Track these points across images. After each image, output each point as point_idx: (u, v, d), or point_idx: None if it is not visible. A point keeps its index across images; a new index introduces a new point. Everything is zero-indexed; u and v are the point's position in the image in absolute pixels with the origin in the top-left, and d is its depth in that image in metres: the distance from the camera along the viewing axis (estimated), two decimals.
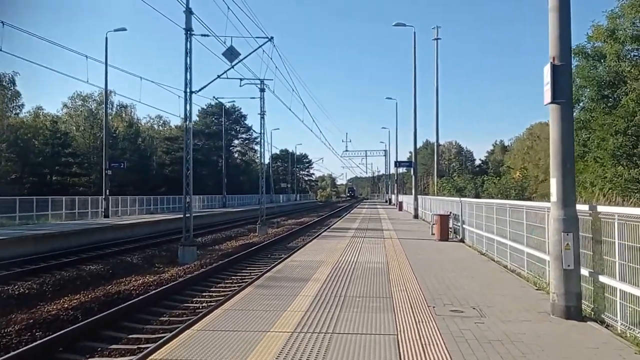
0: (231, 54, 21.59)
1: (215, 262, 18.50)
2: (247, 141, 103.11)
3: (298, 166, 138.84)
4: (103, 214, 35.03)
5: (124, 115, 76.25)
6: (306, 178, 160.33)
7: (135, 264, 19.37)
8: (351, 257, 13.23)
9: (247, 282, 13.98)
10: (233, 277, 16.04)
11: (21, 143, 55.85)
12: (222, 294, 13.17)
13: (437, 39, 37.68)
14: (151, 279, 15.57)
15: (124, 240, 26.03)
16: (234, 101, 66.10)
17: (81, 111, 69.99)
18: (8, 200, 28.79)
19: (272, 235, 30.33)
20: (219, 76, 22.10)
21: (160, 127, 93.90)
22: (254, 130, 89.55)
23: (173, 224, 32.74)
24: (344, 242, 17.43)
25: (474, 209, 15.85)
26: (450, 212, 19.68)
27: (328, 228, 28.48)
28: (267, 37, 22.35)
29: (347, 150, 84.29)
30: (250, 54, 22.22)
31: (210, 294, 13.46)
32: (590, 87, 35.66)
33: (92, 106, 70.08)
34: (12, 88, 58.87)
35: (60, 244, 22.37)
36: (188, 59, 20.60)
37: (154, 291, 13.04)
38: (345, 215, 43.76)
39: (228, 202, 62.43)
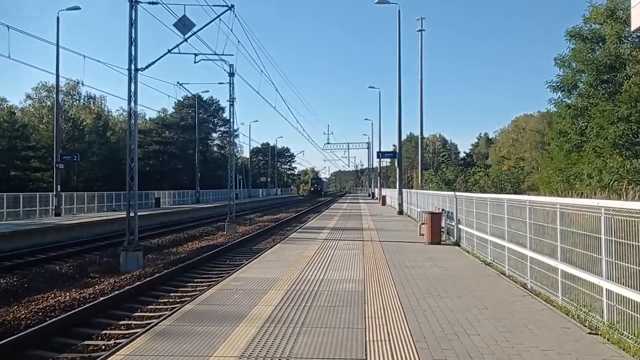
0: (184, 25, 18.19)
1: (159, 272, 15.17)
2: (225, 134, 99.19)
3: (279, 160, 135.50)
4: (54, 212, 31.38)
5: (92, 106, 71.95)
6: (288, 172, 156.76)
7: (64, 274, 15.99)
8: (316, 273, 9.96)
9: (185, 301, 10.72)
10: (173, 294, 12.73)
11: None
12: (146, 321, 9.89)
13: (421, 30, 34.70)
14: (69, 297, 12.29)
15: (67, 243, 22.54)
16: (207, 90, 62.36)
17: (46, 103, 65.81)
18: None
19: (240, 234, 27.04)
20: (169, 50, 18.68)
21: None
22: (234, 123, 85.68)
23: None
24: (313, 248, 14.17)
25: (474, 207, 12.67)
26: (442, 209, 16.52)
27: (302, 226, 25.22)
28: (227, 6, 18.96)
29: (328, 143, 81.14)
30: (206, 24, 18.83)
31: (130, 322, 10.14)
32: (588, 71, 32.87)
33: (60, 97, 65.85)
34: None
35: None
36: (133, 30, 17.22)
37: (52, 320, 9.69)
38: (325, 211, 40.54)
39: (202, 198, 58.75)
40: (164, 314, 9.77)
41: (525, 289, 8.45)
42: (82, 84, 62.05)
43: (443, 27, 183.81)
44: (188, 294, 12.52)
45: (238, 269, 11.62)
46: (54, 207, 31.66)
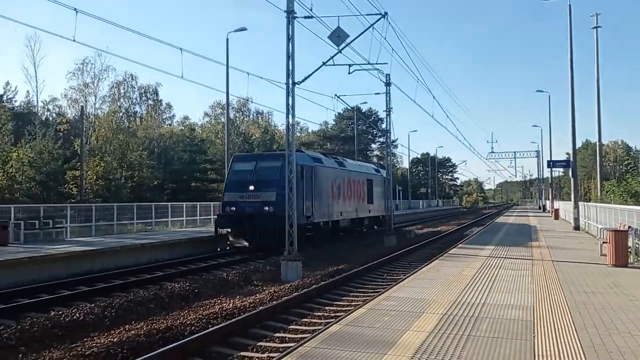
0: (338, 37, 18.29)
1: (317, 284, 15.21)
2: (384, 145, 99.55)
3: (440, 170, 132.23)
4: None
5: (260, 121, 77.05)
6: (450, 183, 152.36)
7: (230, 281, 16.71)
8: (477, 295, 9.05)
9: (340, 316, 10.47)
10: (328, 308, 12.62)
11: (171, 151, 57.94)
12: (300, 335, 9.80)
13: (596, 27, 31.35)
14: (232, 305, 12.70)
15: (235, 251, 23.96)
16: (365, 102, 63.15)
17: (220, 119, 71.87)
18: (128, 207, 28.44)
19: (398, 247, 26.49)
20: (324, 63, 18.86)
21: (298, 133, 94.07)
22: (391, 133, 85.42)
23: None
24: (474, 266, 13.12)
25: None
26: (629, 227, 14.36)
27: (463, 240, 23.91)
28: (380, 14, 18.69)
29: (492, 152, 77.10)
30: (360, 34, 18.71)
31: (285, 335, 10.09)
32: None
33: (231, 114, 71.66)
34: (155, 98, 61.73)
35: (162, 255, 20.78)
36: (290, 45, 17.74)
37: (214, 328, 10.02)
38: (489, 224, 38.30)
39: None
40: (318, 329, 9.64)
41: None
42: (251, 100, 66.69)
43: (620, 22, 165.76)
44: (342, 309, 12.29)
45: (392, 286, 11.10)
46: None
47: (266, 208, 20.02)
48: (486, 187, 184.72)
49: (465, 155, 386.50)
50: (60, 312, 11.33)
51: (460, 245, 20.97)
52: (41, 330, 9.90)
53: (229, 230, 21.54)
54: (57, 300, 12.96)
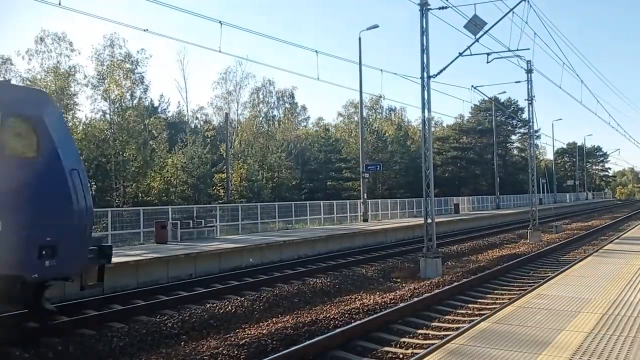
0: (475, 25, 17.70)
1: (458, 281, 14.88)
2: (525, 136, 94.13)
3: (589, 161, 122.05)
4: (362, 218, 34.22)
5: (393, 118, 76.84)
6: (601, 174, 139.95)
7: (369, 277, 16.93)
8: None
9: (485, 314, 10.16)
10: (471, 305, 12.31)
11: (307, 152, 60.33)
12: (443, 332, 9.65)
13: None
14: (372, 301, 12.89)
15: (372, 247, 24.31)
16: (504, 92, 60.26)
17: (353, 118, 72.83)
18: (270, 206, 29.98)
19: (544, 243, 25.09)
20: (460, 54, 18.34)
21: (432, 128, 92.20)
22: (533, 123, 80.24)
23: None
24: (635, 263, 11.97)
25: None
26: None
27: (620, 236, 21.90)
28: None
29: None
30: (498, 21, 17.91)
31: (428, 332, 10.02)
32: None
33: (364, 112, 72.20)
34: (291, 102, 64.34)
35: (304, 251, 21.63)
36: (424, 38, 17.54)
37: (356, 323, 10.19)
38: None
39: (502, 203, 56.77)
40: (462, 327, 9.44)
41: None
42: (384, 97, 66.74)
43: None
44: (487, 307, 11.90)
45: (541, 284, 10.51)
46: (361, 214, 34.50)
47: None
48: None
49: (619, 142, 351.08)
50: (215, 305, 12.24)
51: (616, 241, 19.28)
52: (199, 321, 10.77)
53: None
54: (211, 294, 13.99)
